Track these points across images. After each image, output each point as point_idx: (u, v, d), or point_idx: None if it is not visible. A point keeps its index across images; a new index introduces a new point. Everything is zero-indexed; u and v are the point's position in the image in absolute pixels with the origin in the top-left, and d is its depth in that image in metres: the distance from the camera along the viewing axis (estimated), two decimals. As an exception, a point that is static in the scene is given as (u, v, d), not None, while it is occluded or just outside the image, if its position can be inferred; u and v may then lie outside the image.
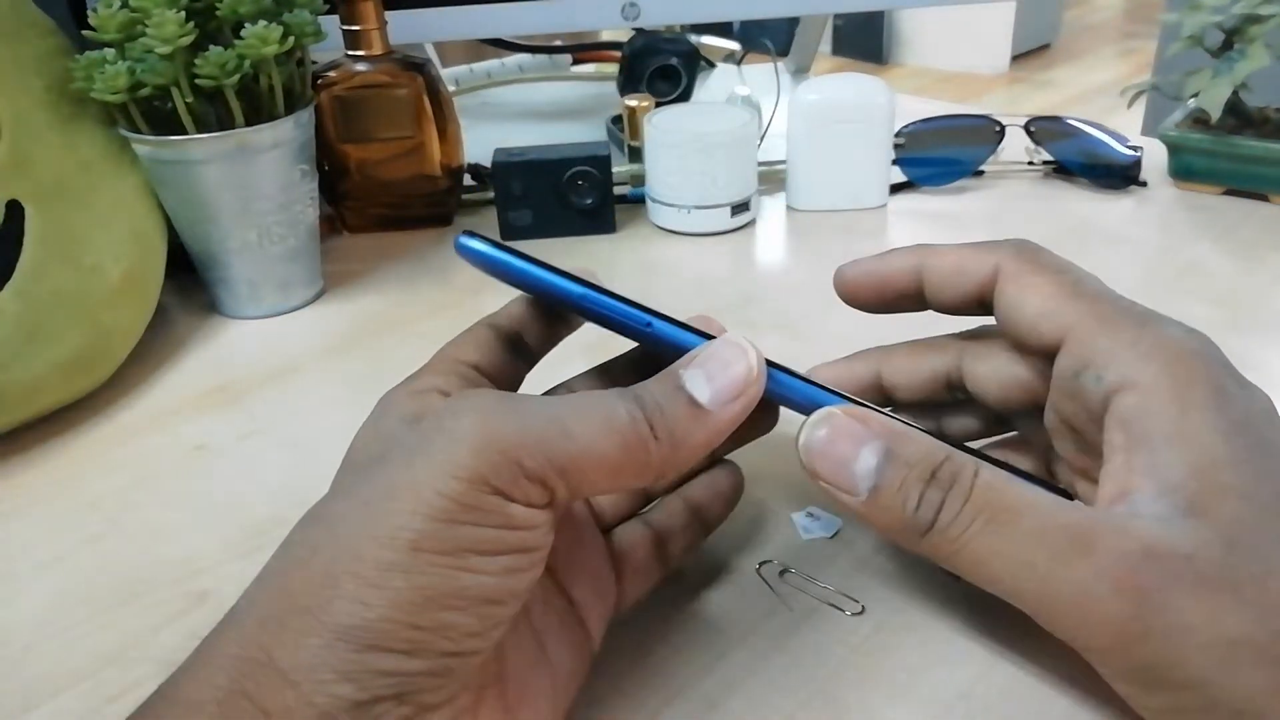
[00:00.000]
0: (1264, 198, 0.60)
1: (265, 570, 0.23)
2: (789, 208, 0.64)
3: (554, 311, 0.30)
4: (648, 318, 0.26)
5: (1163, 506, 0.23)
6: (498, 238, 0.61)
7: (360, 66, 0.59)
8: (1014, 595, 0.24)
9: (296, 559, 0.22)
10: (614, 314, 0.26)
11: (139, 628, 0.33)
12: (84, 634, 0.33)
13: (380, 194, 0.63)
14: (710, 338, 0.26)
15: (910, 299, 0.31)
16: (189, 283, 0.55)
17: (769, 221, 0.63)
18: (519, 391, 0.29)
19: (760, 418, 0.29)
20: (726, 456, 0.33)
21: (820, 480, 0.26)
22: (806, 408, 0.27)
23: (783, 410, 0.29)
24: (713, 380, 0.24)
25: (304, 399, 0.46)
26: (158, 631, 0.33)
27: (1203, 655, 0.22)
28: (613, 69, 0.86)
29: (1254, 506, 0.22)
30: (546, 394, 0.30)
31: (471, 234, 0.27)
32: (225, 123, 0.49)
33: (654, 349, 0.26)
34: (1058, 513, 0.23)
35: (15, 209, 0.44)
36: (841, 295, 0.32)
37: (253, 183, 0.50)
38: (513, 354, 0.29)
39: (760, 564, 0.33)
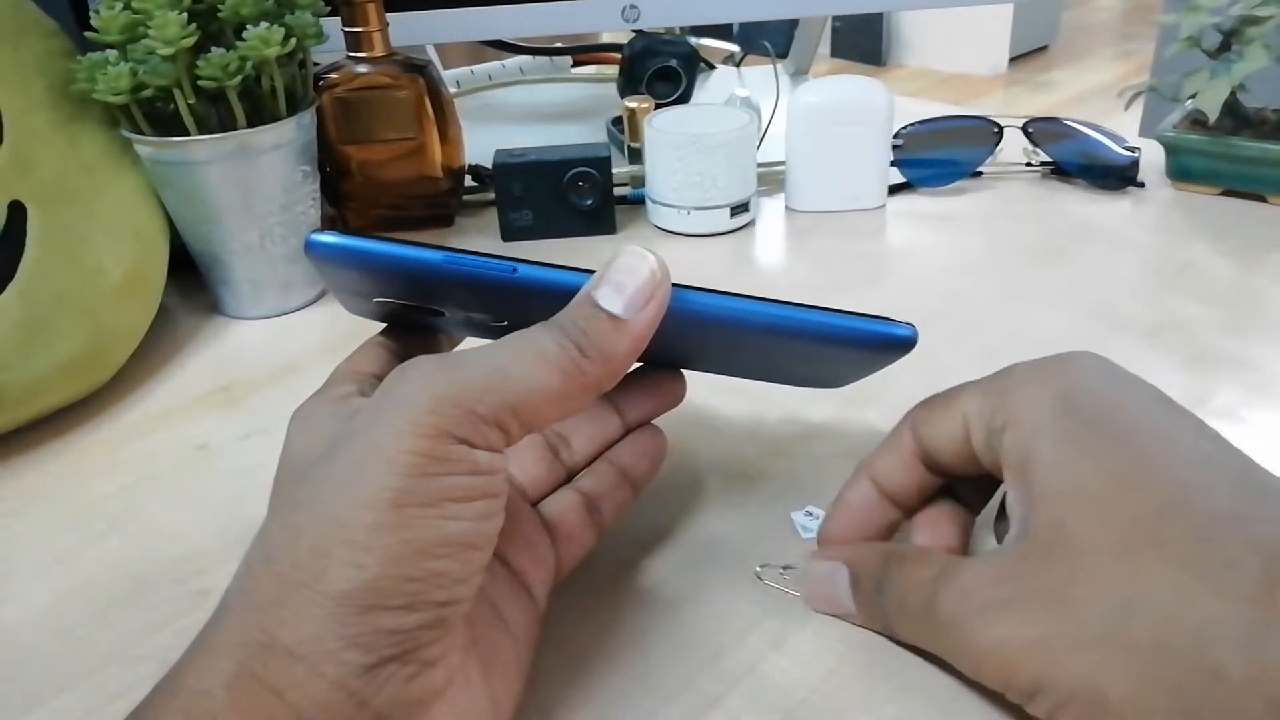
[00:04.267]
0: (1261, 198, 0.60)
1: (248, 563, 0.23)
2: (788, 209, 0.64)
3: (425, 328, 0.32)
4: (512, 264, 0.26)
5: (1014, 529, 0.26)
6: (499, 238, 0.61)
7: (362, 68, 0.59)
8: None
9: (280, 545, 0.22)
10: (479, 269, 0.26)
11: (140, 627, 0.33)
12: (85, 633, 0.33)
13: (381, 195, 0.63)
14: (582, 271, 0.26)
15: (900, 510, 0.32)
16: (191, 283, 0.55)
17: (768, 222, 0.63)
18: None
19: (670, 386, 0.33)
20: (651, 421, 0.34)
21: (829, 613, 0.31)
22: (712, 315, 0.28)
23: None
24: (622, 290, 0.25)
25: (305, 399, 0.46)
26: (159, 631, 0.33)
27: (1034, 661, 0.24)
28: (613, 71, 0.86)
29: (1083, 510, 0.25)
30: None
31: (321, 230, 0.27)
32: (227, 124, 0.49)
33: (524, 309, 0.26)
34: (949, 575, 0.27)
35: (17, 209, 0.44)
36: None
37: (254, 184, 0.50)
38: None
39: (760, 566, 0.33)
